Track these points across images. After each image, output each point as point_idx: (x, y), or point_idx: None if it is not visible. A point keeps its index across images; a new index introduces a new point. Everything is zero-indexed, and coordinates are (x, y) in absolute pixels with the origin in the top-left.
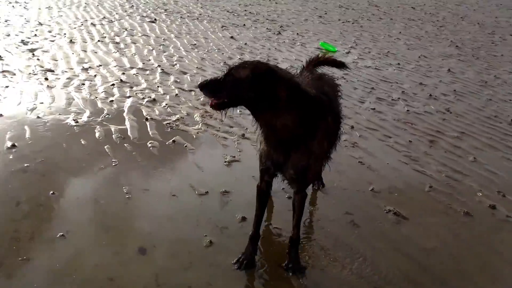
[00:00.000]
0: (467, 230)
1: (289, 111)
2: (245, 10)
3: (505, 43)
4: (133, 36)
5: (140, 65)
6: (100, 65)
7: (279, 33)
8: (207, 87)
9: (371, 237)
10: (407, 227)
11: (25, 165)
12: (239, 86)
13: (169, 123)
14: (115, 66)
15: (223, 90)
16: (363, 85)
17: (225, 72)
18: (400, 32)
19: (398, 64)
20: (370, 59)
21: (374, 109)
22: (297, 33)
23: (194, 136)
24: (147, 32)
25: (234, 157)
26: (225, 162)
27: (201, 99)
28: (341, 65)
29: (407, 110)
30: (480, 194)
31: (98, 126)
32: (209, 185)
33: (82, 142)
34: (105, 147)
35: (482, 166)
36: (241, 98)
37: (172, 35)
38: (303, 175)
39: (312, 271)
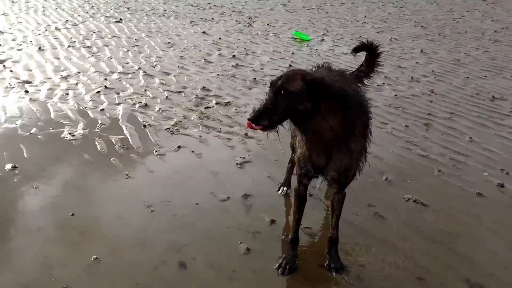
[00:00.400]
0: (484, 210)
1: (335, 114)
2: (209, 3)
3: (465, 20)
4: (103, 38)
5: (120, 68)
6: (79, 72)
7: (250, 25)
8: (261, 118)
9: (398, 228)
10: (429, 214)
11: (34, 186)
12: (295, 101)
13: (168, 128)
14: (94, 72)
15: (277, 112)
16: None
17: (273, 91)
18: (365, 16)
19: None
20: (345, 45)
21: None
22: (268, 24)
23: (198, 139)
24: (117, 33)
25: (244, 158)
26: (237, 164)
27: (193, 100)
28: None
29: (395, 95)
30: (486, 173)
31: (97, 138)
32: (228, 190)
33: (86, 157)
34: (111, 159)
35: (480, 145)
36: (296, 112)
37: (143, 35)
38: (345, 175)
39: (354, 268)
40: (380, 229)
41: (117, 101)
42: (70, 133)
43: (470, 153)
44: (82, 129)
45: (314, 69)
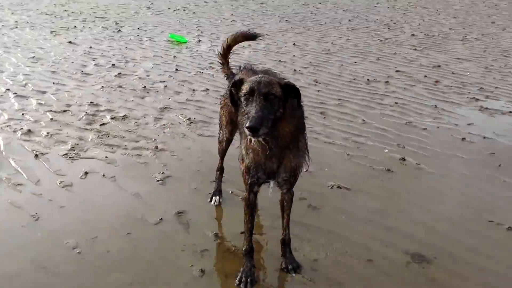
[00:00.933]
0: (397, 184)
1: (294, 117)
2: (65, 11)
3: (321, 12)
4: None
5: None
6: None
7: (119, 30)
8: (262, 124)
9: (333, 215)
10: (354, 196)
11: None
12: (277, 106)
13: (66, 154)
14: None
15: (270, 117)
16: (235, 71)
17: (260, 98)
18: (232, 14)
19: (250, 45)
20: None
21: None
22: (138, 28)
23: (105, 161)
24: None
25: (163, 173)
26: (158, 181)
27: (83, 118)
28: (254, 36)
29: None
30: (387, 150)
31: None
32: (158, 211)
33: None
34: (9, 202)
35: (372, 125)
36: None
37: None
38: (295, 174)
39: (308, 263)
40: (317, 220)
41: None
42: None
43: (367, 134)
44: None
45: (237, 71)
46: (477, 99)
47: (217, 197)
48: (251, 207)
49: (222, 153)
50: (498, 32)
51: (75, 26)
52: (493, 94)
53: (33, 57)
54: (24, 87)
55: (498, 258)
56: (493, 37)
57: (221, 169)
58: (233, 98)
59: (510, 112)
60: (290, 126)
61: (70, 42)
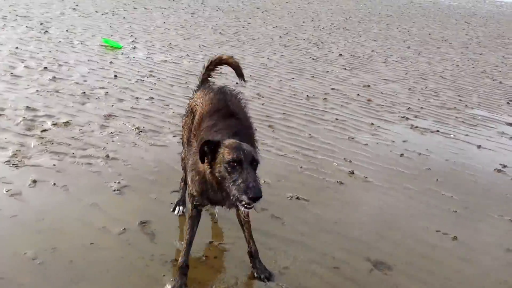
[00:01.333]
0: (349, 196)
1: None
2: None
3: (252, 27)
4: None
5: None
6: None
7: (46, 31)
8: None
9: (296, 225)
10: (313, 207)
11: None
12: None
13: (8, 161)
14: None
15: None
16: (176, 81)
17: (249, 167)
18: (164, 22)
19: (188, 55)
20: (161, 53)
21: None
22: (66, 30)
23: (53, 169)
24: None
25: (119, 182)
26: (114, 190)
27: (21, 123)
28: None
29: None
30: (336, 164)
31: None
32: (120, 221)
33: None
34: None
35: (318, 140)
36: None
37: None
38: None
39: (280, 271)
40: (280, 230)
41: None
42: None
43: (315, 148)
44: None
45: (193, 94)
46: (407, 118)
47: (181, 207)
48: (192, 219)
49: (186, 169)
50: (415, 56)
51: None
52: (420, 114)
53: None
54: None
55: (449, 265)
56: (411, 60)
57: (185, 181)
58: (204, 154)
59: (438, 131)
60: None
61: None
